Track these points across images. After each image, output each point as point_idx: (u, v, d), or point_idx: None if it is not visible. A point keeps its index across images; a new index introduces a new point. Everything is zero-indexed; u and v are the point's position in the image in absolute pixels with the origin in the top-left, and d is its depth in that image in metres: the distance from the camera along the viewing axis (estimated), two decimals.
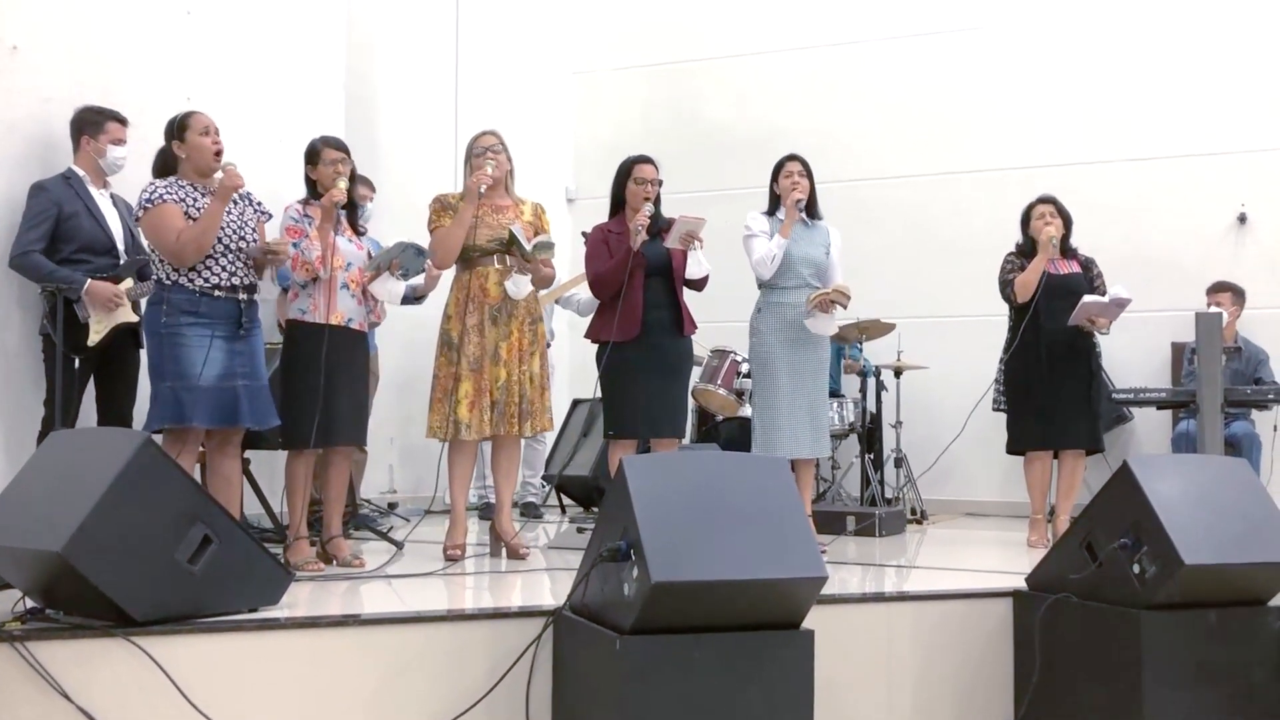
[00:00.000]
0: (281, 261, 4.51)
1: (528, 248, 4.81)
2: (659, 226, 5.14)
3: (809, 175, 5.45)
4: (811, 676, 3.16)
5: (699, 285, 5.24)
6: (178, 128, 4.42)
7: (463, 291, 4.91)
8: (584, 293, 7.01)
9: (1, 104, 4.89)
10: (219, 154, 4.42)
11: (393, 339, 6.58)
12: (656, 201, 5.18)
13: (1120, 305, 5.50)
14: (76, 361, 4.65)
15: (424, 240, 4.93)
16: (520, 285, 4.87)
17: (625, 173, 5.22)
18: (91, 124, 4.90)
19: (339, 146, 4.81)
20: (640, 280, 5.07)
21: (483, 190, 4.81)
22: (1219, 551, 3.50)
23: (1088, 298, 5.49)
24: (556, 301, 7.10)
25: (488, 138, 4.99)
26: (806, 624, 3.19)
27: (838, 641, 3.65)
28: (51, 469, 3.44)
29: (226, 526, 3.44)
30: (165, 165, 4.47)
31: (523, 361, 4.91)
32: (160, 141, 4.86)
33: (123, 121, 4.96)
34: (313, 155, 4.79)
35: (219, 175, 4.37)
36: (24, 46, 4.98)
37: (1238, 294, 6.95)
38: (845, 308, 5.36)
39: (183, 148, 4.41)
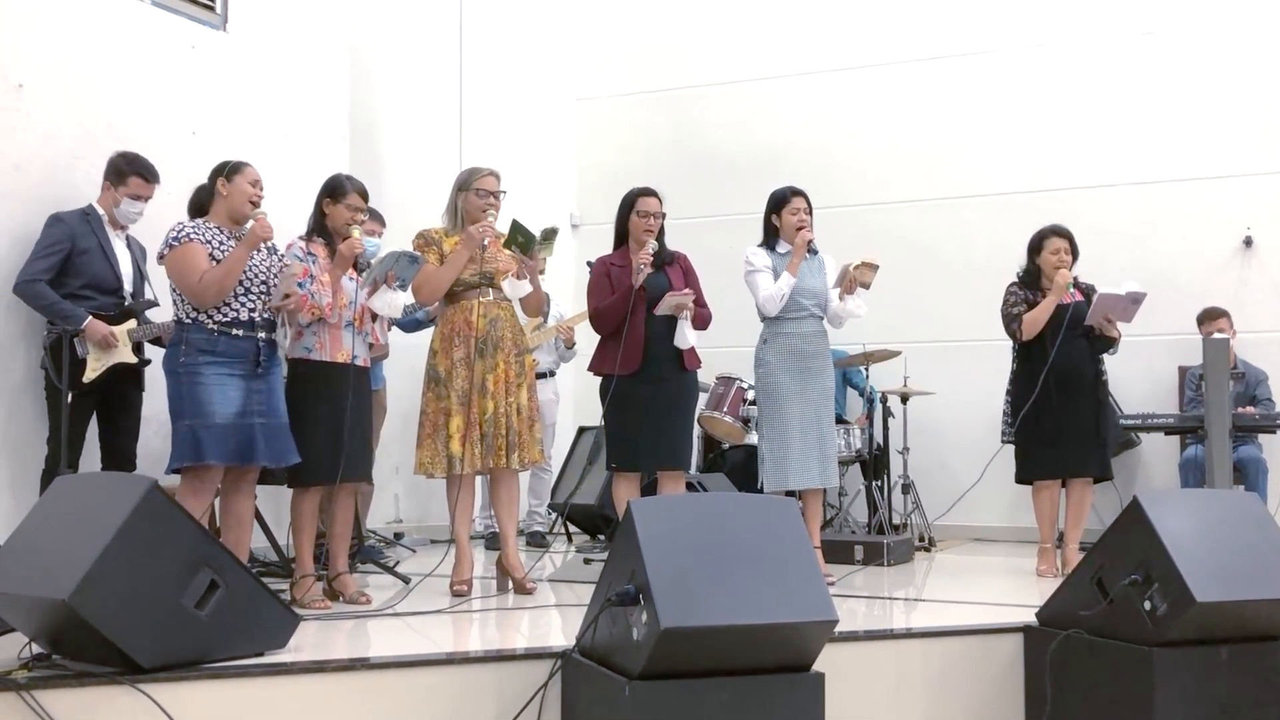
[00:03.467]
0: (292, 305, 4.50)
1: (536, 236, 4.73)
2: (663, 260, 5.10)
3: (810, 210, 5.42)
4: (822, 719, 3.13)
5: (700, 327, 5.18)
6: (230, 169, 4.43)
7: (447, 326, 4.89)
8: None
9: (7, 142, 4.92)
10: (255, 206, 4.42)
11: (397, 368, 6.56)
12: (660, 235, 5.13)
13: (1136, 300, 5.42)
14: (71, 397, 4.64)
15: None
16: (518, 286, 4.83)
17: (628, 206, 5.16)
18: (117, 172, 4.93)
19: (364, 194, 4.77)
20: (642, 314, 5.01)
21: (485, 244, 4.77)
22: (1230, 588, 3.47)
23: (1103, 289, 5.42)
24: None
25: (490, 180, 4.92)
26: (815, 663, 3.17)
27: (847, 681, 3.61)
28: (57, 515, 3.42)
29: (233, 570, 3.42)
30: (200, 204, 4.48)
31: (509, 393, 4.87)
32: (165, 175, 4.90)
33: (149, 179, 4.95)
34: (337, 191, 4.72)
35: (249, 224, 4.38)
36: (29, 84, 5.00)
37: (1229, 317, 6.95)
38: (868, 286, 5.31)
39: (228, 186, 4.40)
